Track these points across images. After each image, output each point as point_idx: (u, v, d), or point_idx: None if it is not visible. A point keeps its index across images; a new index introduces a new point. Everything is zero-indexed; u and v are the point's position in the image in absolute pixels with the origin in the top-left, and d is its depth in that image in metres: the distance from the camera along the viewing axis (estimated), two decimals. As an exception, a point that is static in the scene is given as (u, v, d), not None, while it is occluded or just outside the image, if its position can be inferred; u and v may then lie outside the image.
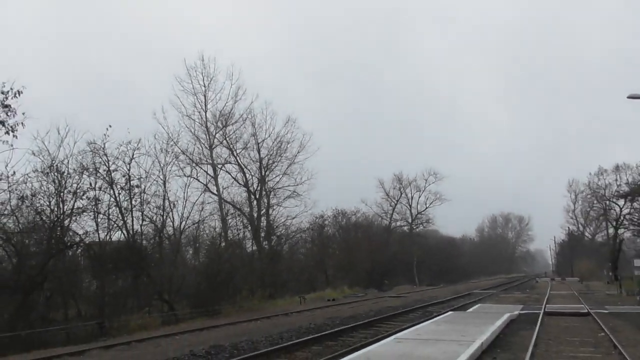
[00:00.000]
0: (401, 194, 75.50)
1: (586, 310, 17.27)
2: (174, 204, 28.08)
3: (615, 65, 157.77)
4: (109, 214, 23.89)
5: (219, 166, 40.97)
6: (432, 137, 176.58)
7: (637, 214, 48.63)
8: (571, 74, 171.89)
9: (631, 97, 20.94)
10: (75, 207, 21.50)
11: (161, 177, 28.08)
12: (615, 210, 56.67)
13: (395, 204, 75.18)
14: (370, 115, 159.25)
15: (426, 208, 75.91)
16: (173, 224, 28.09)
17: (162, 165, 28.47)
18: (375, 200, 74.97)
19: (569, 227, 78.28)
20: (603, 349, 10.16)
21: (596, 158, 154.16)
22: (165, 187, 28.15)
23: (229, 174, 41.94)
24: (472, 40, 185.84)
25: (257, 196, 43.17)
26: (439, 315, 15.73)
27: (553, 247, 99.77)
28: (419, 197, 76.20)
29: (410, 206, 76.22)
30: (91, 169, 23.02)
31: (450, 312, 16.25)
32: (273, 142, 45.28)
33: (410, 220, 76.34)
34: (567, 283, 51.84)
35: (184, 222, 28.28)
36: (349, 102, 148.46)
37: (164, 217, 27.11)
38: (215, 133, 40.75)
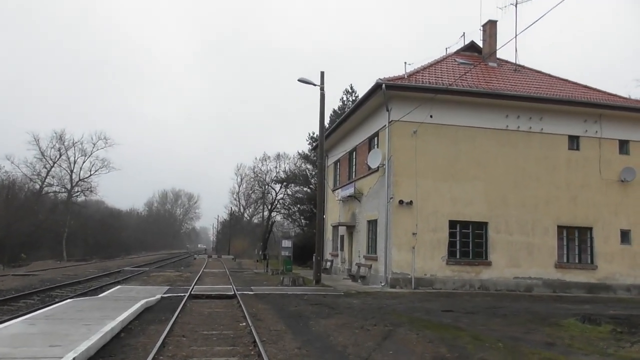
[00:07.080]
0: (61, 155, 65.31)
1: (233, 292, 16.12)
2: None
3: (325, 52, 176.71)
4: None
5: None
6: (110, 96, 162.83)
7: (288, 199, 53.90)
8: (265, 59, 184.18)
9: (301, 80, 21.17)
10: None
11: None
12: (272, 194, 62.17)
13: (52, 166, 64.64)
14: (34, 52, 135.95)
15: (90, 175, 68.00)
16: None
17: None
18: (26, 159, 62.71)
19: (231, 208, 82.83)
20: (242, 347, 8.29)
21: (270, 144, 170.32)
22: None
23: None
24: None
25: None
26: (49, 305, 11.68)
27: (216, 225, 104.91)
28: (84, 162, 67.69)
29: (72, 171, 66.86)
30: None
31: (69, 301, 12.32)
32: None
33: (69, 187, 66.92)
34: (223, 260, 53.58)
35: None
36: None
37: None
38: None
